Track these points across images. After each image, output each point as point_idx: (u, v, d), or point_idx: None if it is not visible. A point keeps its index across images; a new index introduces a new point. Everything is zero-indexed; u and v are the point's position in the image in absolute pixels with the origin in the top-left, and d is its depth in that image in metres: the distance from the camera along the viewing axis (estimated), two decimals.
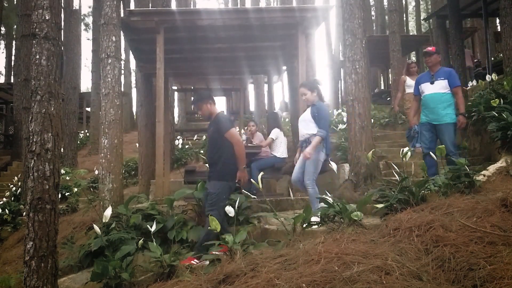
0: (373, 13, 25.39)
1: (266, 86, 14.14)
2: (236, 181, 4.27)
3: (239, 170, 4.21)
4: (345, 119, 9.87)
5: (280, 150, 6.65)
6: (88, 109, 17.95)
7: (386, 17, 17.08)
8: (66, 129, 12.79)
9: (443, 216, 2.98)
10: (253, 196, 4.71)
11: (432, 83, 5.04)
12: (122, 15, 6.59)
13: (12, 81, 16.93)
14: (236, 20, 6.29)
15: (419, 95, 5.24)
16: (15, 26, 21.01)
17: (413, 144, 5.26)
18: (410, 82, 7.38)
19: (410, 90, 7.13)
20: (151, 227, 3.98)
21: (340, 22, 16.64)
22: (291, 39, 6.88)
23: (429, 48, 5.24)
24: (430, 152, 4.63)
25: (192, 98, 5.01)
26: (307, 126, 4.52)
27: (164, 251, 3.94)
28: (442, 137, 4.87)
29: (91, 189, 10.15)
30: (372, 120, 9.32)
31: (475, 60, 13.06)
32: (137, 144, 10.31)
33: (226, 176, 4.16)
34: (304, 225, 3.55)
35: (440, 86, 4.98)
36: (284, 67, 8.80)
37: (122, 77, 9.79)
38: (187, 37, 6.85)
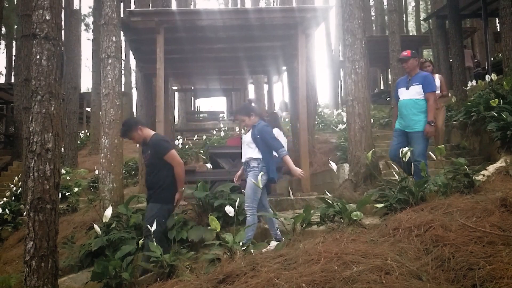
0: (372, 13, 25.38)
1: (266, 86, 14.15)
2: (174, 204, 4.13)
3: (178, 191, 4.09)
4: (345, 119, 9.89)
5: None
6: (89, 109, 17.94)
7: (386, 18, 17.09)
8: (67, 129, 12.79)
9: (442, 216, 2.98)
10: None
11: (407, 88, 4.82)
12: (122, 15, 6.60)
13: (12, 81, 16.94)
14: (236, 20, 6.30)
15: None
16: (16, 27, 21.03)
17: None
18: None
19: None
20: (151, 227, 3.99)
21: (340, 22, 16.67)
22: (291, 39, 6.89)
23: (404, 54, 4.92)
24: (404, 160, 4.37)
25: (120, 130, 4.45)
26: (247, 148, 4.29)
27: (164, 250, 3.95)
28: (413, 145, 4.61)
29: (92, 189, 10.16)
30: (372, 120, 9.33)
31: (474, 61, 13.07)
32: (137, 144, 10.30)
33: (165, 199, 4.02)
34: (304, 225, 3.56)
35: (414, 92, 4.75)
36: (284, 67, 8.81)
37: (122, 77, 9.79)
38: (187, 37, 6.85)
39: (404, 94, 4.84)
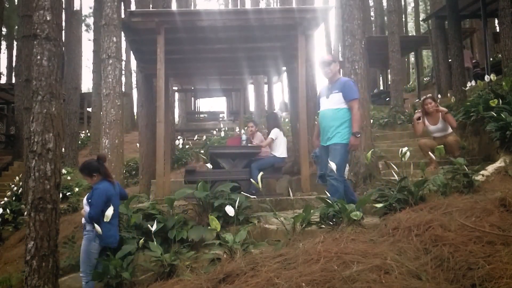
0: (372, 14, 25.39)
1: (266, 86, 14.18)
2: None
3: None
4: None
5: (280, 150, 6.67)
6: (89, 109, 17.97)
7: (385, 18, 17.10)
8: (67, 129, 12.81)
9: (442, 215, 3.00)
10: (253, 196, 4.72)
11: (327, 97, 4.28)
12: (122, 16, 6.62)
13: (13, 81, 16.97)
14: (236, 21, 6.31)
15: None
16: (17, 27, 21.05)
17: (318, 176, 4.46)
18: (427, 124, 6.11)
19: (434, 134, 6.08)
20: (152, 227, 4.01)
21: (339, 23, 16.66)
22: (291, 39, 6.89)
23: (325, 57, 4.44)
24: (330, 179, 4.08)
25: None
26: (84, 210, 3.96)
27: (165, 250, 3.96)
28: (330, 158, 4.07)
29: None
30: (371, 120, 9.34)
31: (473, 61, 13.09)
32: (137, 144, 10.33)
33: None
34: (304, 225, 3.57)
35: (334, 101, 4.21)
36: (284, 68, 8.82)
37: (123, 77, 9.80)
38: (188, 38, 6.86)
39: (324, 103, 4.32)
